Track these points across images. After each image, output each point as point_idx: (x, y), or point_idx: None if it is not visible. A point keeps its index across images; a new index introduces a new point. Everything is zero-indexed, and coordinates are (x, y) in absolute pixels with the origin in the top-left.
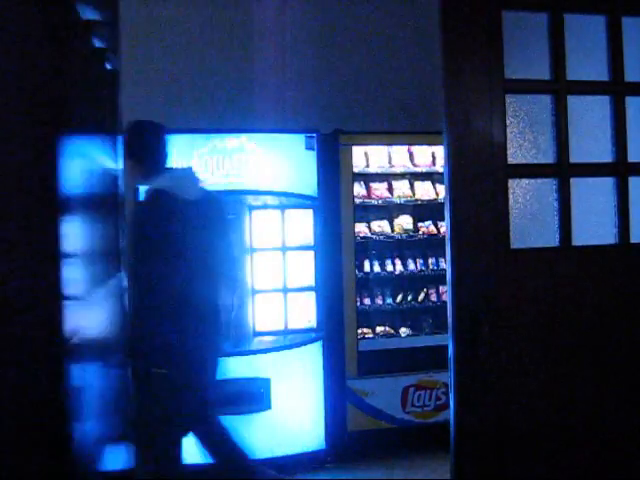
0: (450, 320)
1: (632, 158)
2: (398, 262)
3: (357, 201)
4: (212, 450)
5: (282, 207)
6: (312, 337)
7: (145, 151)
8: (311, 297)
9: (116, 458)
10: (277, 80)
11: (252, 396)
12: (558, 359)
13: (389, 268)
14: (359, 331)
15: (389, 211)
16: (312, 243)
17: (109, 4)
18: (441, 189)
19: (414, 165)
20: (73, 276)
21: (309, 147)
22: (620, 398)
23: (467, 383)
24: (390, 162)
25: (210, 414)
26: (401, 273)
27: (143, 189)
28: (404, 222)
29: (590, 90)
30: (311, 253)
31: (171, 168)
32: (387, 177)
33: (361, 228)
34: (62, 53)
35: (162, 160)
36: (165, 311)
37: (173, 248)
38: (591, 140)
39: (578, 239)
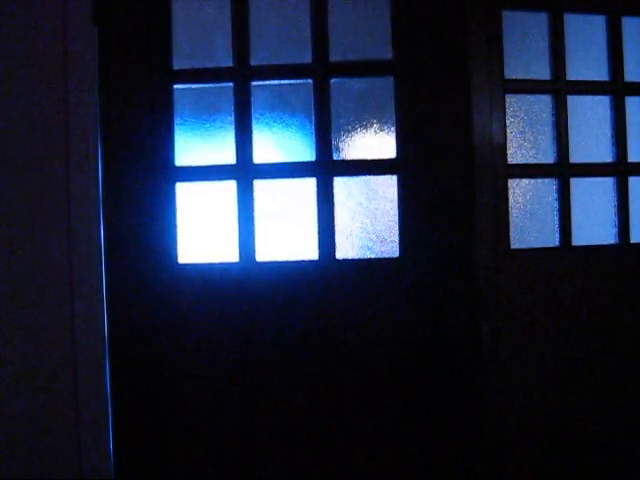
0: None
1: (632, 158)
2: None
3: None
4: None
5: None
6: None
7: None
8: None
9: None
10: None
11: None
12: (558, 359)
13: None
14: None
15: None
16: None
17: None
18: None
19: None
20: None
21: None
22: (621, 397)
23: (467, 383)
24: None
25: None
26: None
27: None
28: None
29: (590, 90)
30: None
31: None
32: None
33: None
34: None
35: None
36: None
37: None
38: (591, 140)
39: (578, 239)
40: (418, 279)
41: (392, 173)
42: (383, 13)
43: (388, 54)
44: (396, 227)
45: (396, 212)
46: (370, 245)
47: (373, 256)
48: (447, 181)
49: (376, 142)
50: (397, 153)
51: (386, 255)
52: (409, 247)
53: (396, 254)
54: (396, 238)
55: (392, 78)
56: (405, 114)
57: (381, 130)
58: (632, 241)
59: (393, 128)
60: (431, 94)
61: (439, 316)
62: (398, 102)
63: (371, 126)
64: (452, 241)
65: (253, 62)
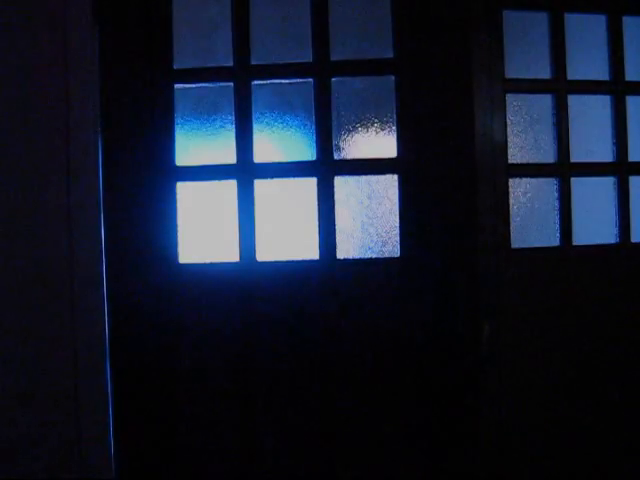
0: None
1: (632, 158)
2: None
3: None
4: None
5: None
6: None
7: None
8: None
9: None
10: None
11: None
12: (558, 358)
13: None
14: None
15: None
16: None
17: None
18: None
19: None
20: None
21: None
22: (623, 398)
23: (467, 384)
24: None
25: None
26: None
27: None
28: None
29: (591, 89)
30: None
31: None
32: None
33: None
34: None
35: None
36: None
37: None
38: (592, 139)
39: (579, 238)
40: (419, 279)
41: (393, 172)
42: (384, 12)
43: (389, 53)
44: (397, 227)
45: (397, 212)
46: (371, 245)
47: (374, 256)
48: (448, 180)
49: (377, 141)
50: (398, 152)
51: (387, 255)
52: (410, 247)
53: (397, 254)
54: (397, 238)
55: (393, 77)
56: (406, 113)
57: (382, 129)
58: (633, 240)
59: (394, 127)
60: (432, 93)
61: (439, 316)
62: (399, 101)
63: (372, 125)
64: (453, 241)
65: (254, 61)
